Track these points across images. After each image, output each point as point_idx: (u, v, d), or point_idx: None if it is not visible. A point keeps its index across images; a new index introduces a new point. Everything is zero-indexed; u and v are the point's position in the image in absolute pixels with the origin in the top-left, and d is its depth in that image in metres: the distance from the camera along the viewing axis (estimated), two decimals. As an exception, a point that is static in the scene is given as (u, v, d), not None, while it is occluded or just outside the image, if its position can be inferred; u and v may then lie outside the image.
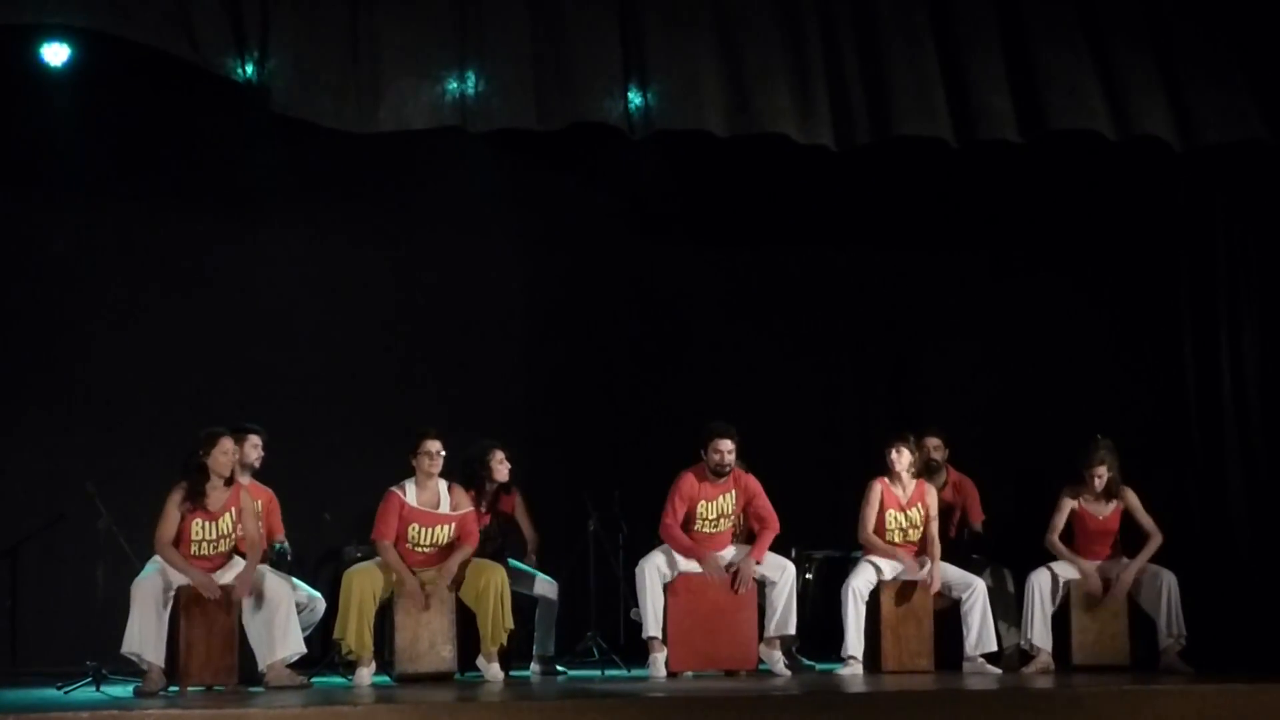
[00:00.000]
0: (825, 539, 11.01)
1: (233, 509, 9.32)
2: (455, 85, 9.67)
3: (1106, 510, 10.30)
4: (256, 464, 9.97)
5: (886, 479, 10.31)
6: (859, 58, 10.18)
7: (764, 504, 10.13)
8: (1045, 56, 10.25)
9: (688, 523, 10.07)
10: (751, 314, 12.40)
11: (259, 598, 9.28)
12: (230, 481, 9.36)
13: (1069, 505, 10.28)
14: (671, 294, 12.24)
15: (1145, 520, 10.24)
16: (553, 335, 12.11)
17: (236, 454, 9.51)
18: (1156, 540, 10.20)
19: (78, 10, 9.05)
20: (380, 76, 9.56)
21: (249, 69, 9.33)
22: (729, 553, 10.13)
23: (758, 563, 10.01)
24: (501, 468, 10.30)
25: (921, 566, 10.18)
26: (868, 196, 12.15)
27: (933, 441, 10.76)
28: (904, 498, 10.29)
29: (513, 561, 10.32)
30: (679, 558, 10.03)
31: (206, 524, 9.25)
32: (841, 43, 10.17)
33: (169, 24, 9.08)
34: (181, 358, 11.15)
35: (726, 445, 10.00)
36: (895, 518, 10.26)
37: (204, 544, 9.25)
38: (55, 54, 9.73)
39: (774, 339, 12.41)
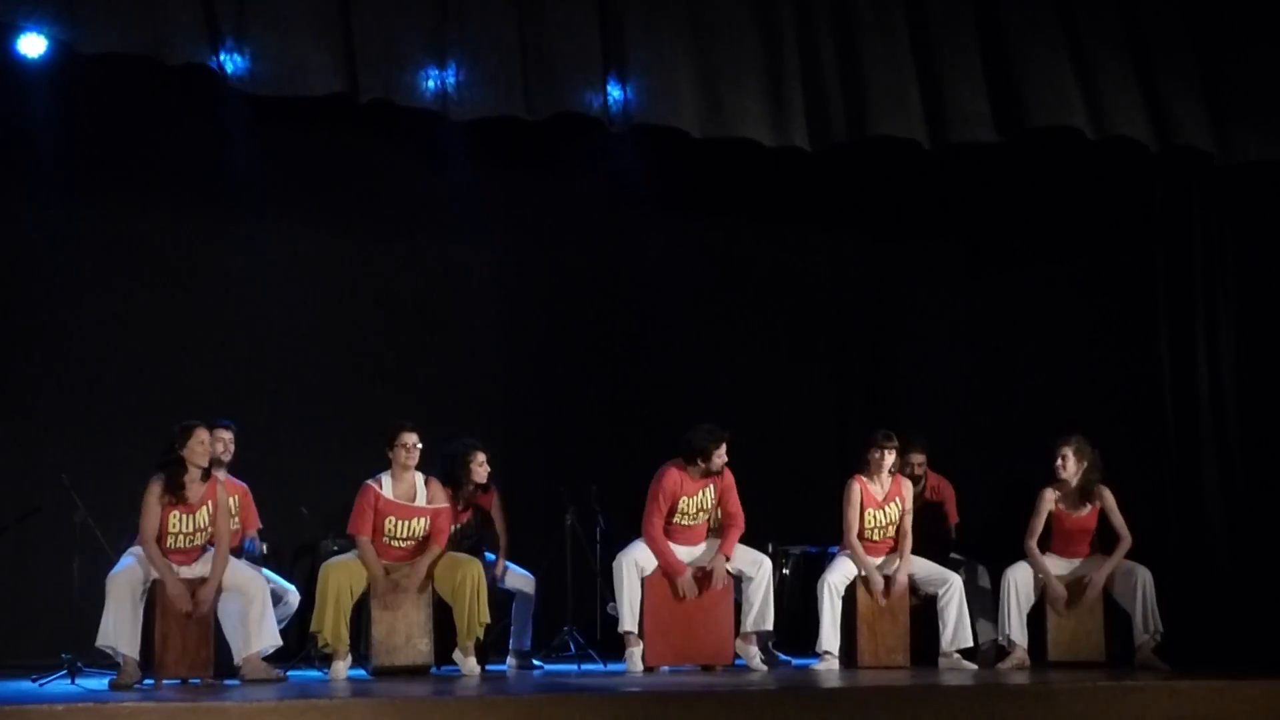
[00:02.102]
0: (801, 534, 11.02)
1: (210, 502, 9.30)
2: (436, 74, 9.64)
3: (1083, 511, 10.32)
4: (225, 459, 9.96)
5: (864, 477, 10.33)
6: (835, 57, 10.17)
7: (734, 499, 10.15)
8: (1022, 56, 10.26)
9: (668, 515, 10.08)
10: (730, 309, 12.42)
11: (234, 591, 9.26)
12: (208, 474, 9.34)
13: (1047, 505, 10.29)
14: (650, 288, 12.24)
15: (1118, 521, 10.27)
16: (530, 330, 12.11)
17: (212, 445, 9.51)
18: (1126, 544, 10.23)
19: (45, 20, 9.01)
20: (362, 62, 9.51)
21: (225, 57, 9.28)
22: (701, 548, 10.15)
23: (727, 558, 10.03)
24: (481, 470, 10.29)
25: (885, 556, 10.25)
26: (846, 191, 12.18)
27: (917, 458, 10.78)
28: (881, 495, 10.32)
29: (490, 555, 10.32)
30: (657, 551, 10.06)
31: (184, 517, 9.23)
32: (817, 42, 10.16)
33: (138, 28, 9.05)
34: (159, 350, 11.13)
35: (725, 448, 10.02)
36: (874, 515, 10.28)
37: (180, 537, 9.22)
38: (32, 46, 9.67)
39: (751, 334, 12.43)
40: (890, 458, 10.32)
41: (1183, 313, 11.04)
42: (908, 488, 10.42)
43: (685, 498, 10.08)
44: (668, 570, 9.99)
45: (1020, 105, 10.22)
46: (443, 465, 10.20)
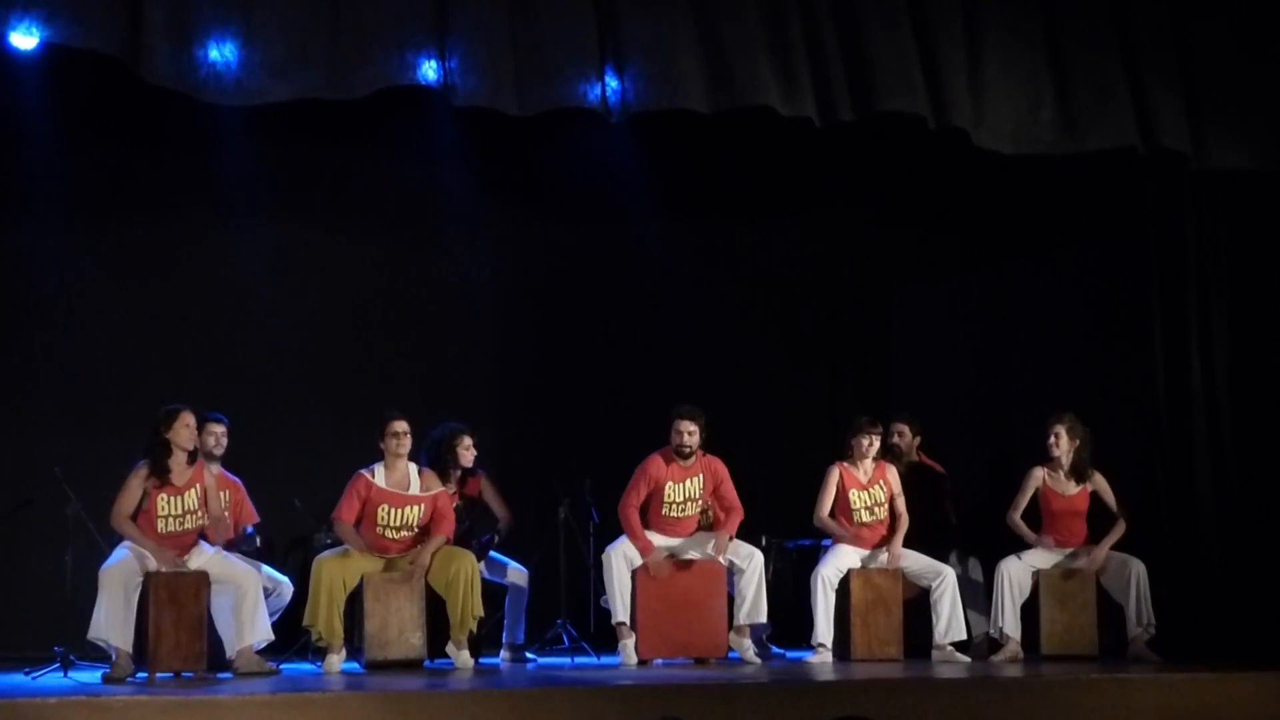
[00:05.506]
0: (795, 527, 11.02)
1: (197, 485, 9.30)
2: (435, 64, 9.61)
3: (1073, 490, 10.34)
4: (217, 452, 9.96)
5: (845, 463, 10.35)
6: (838, 34, 10.12)
7: (730, 490, 10.17)
8: (1002, 61, 10.29)
9: (655, 506, 10.10)
10: (724, 300, 12.40)
11: (227, 584, 9.26)
12: (194, 458, 9.33)
13: (1034, 482, 10.34)
14: (644, 280, 12.22)
15: (1113, 505, 10.32)
16: (523, 322, 12.08)
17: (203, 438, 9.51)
18: (1122, 526, 10.28)
19: (35, 23, 9.00)
20: (357, 52, 9.49)
21: (219, 56, 9.25)
22: (695, 539, 10.16)
23: (731, 538, 10.06)
24: (467, 453, 10.31)
25: (875, 553, 10.26)
26: (839, 182, 12.17)
27: (898, 427, 10.81)
28: (864, 478, 10.33)
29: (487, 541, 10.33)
30: (646, 544, 10.07)
31: (172, 499, 9.21)
32: (820, 19, 10.13)
33: (129, 37, 9.05)
34: (151, 344, 11.12)
35: (687, 427, 10.05)
36: (859, 496, 10.31)
37: (170, 519, 9.21)
38: (23, 40, 9.63)
39: (746, 326, 12.41)
40: (874, 443, 10.35)
41: (1176, 305, 11.03)
42: (893, 472, 10.45)
43: (671, 484, 10.08)
44: (634, 541, 10.00)
45: (993, 129, 10.27)
46: (429, 450, 10.21)
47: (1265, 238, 10.93)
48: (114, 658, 9.03)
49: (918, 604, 10.29)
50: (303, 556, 10.65)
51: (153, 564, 9.16)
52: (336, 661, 9.57)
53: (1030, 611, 10.24)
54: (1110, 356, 11.32)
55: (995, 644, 10.27)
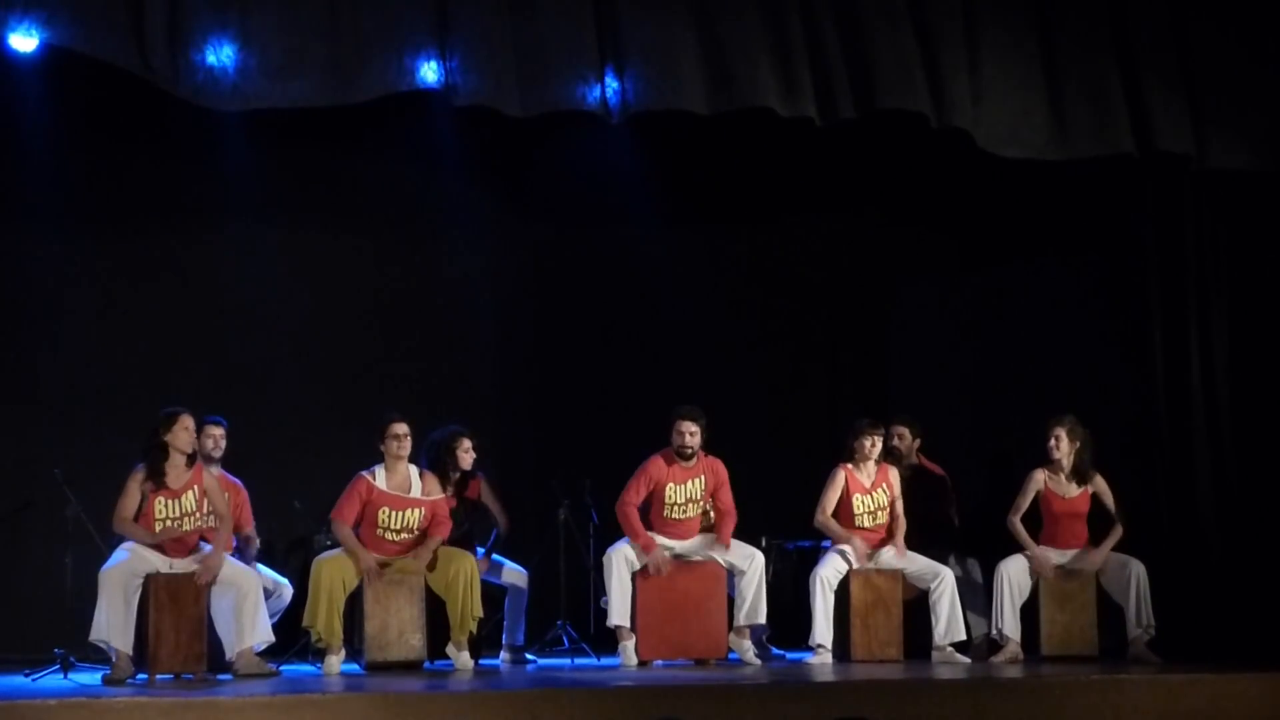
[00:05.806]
0: (795, 528, 11.02)
1: (195, 487, 9.29)
2: (436, 65, 9.61)
3: (1074, 492, 10.34)
4: (215, 454, 9.95)
5: (850, 465, 10.35)
6: (838, 34, 10.12)
7: (726, 494, 10.17)
8: (998, 65, 10.32)
9: (656, 507, 10.09)
10: (724, 301, 12.41)
11: (227, 585, 9.26)
12: (192, 460, 9.33)
13: (1035, 485, 10.33)
14: (644, 281, 12.22)
15: (1112, 508, 10.31)
16: (523, 323, 12.10)
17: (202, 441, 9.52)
18: (1119, 531, 10.27)
19: (34, 24, 9.00)
20: (356, 57, 9.49)
21: (216, 60, 9.26)
22: (691, 543, 10.16)
23: (726, 547, 10.05)
24: (467, 456, 10.30)
25: (877, 552, 10.25)
26: (839, 183, 12.17)
27: (898, 429, 10.81)
28: (868, 482, 10.33)
29: (481, 550, 10.31)
30: (648, 545, 10.07)
31: (169, 502, 9.21)
32: (820, 19, 10.13)
33: (128, 39, 9.05)
34: (151, 346, 11.13)
35: (688, 427, 10.05)
36: (862, 501, 10.30)
37: (168, 522, 9.20)
38: (23, 42, 9.63)
39: (745, 326, 12.42)
40: (877, 444, 10.35)
41: (1176, 305, 11.04)
42: (894, 474, 10.44)
43: (673, 485, 10.08)
44: (634, 539, 9.99)
45: (992, 129, 10.30)
46: (428, 452, 10.20)
47: (1265, 238, 10.94)
48: (114, 659, 9.03)
49: (917, 605, 10.29)
50: (303, 558, 10.65)
51: (156, 565, 9.17)
52: (336, 663, 9.57)
53: (1030, 612, 10.24)
54: (1110, 356, 11.31)
55: (995, 645, 10.26)
